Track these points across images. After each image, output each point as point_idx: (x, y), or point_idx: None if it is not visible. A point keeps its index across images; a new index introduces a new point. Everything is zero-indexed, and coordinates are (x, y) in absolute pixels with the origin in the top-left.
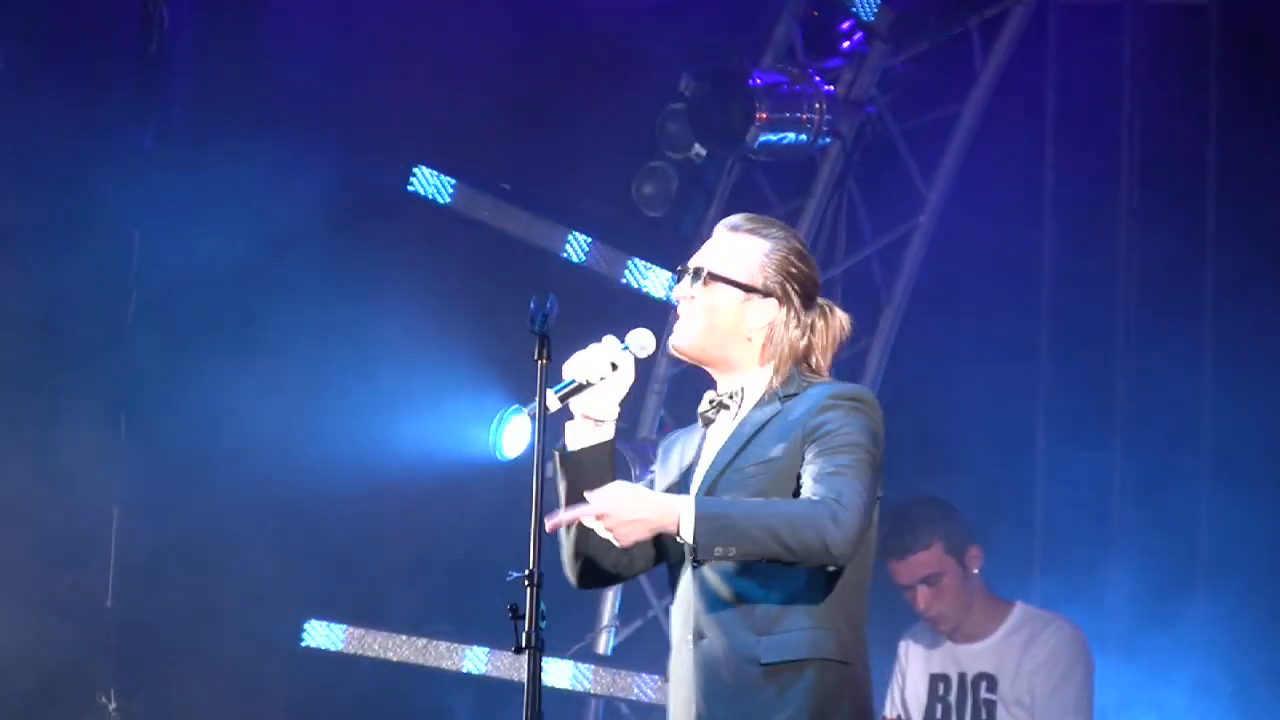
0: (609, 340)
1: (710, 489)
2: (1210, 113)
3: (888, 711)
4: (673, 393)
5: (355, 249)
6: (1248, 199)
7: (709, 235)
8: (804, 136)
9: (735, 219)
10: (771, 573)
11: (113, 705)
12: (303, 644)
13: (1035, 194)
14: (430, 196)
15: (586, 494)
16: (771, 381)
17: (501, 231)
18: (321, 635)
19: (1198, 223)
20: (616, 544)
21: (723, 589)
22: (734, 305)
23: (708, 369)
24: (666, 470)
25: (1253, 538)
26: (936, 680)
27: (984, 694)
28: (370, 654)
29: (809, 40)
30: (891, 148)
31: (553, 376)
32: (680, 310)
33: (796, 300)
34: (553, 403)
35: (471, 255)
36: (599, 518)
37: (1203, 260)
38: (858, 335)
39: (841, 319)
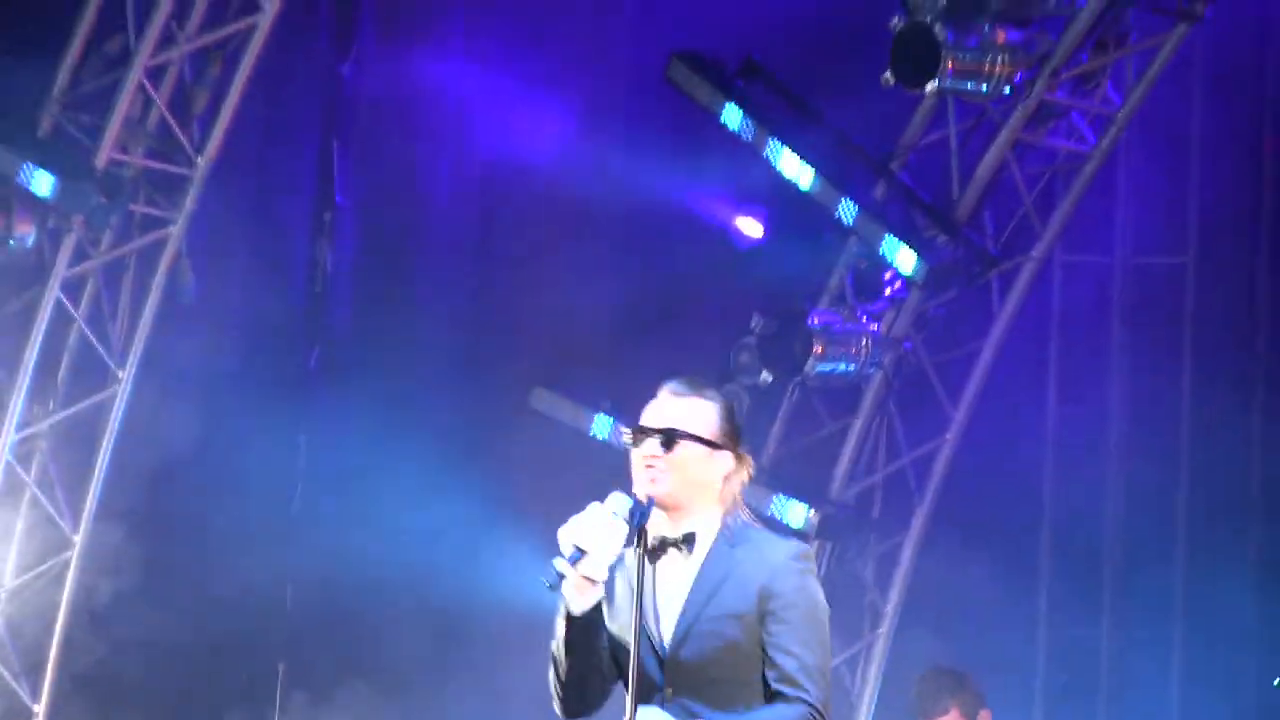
0: (598, 507)
1: (684, 636)
2: (1185, 353)
3: None
4: None
5: (480, 454)
6: (1219, 428)
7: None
8: (853, 367)
9: (679, 384)
10: (735, 703)
11: None
12: None
13: (1040, 419)
14: (546, 411)
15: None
16: (718, 526)
17: (605, 441)
18: None
19: (1173, 454)
20: None
21: (692, 714)
22: (703, 460)
23: (667, 511)
24: (612, 600)
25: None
26: None
27: None
28: None
29: (858, 286)
30: (924, 377)
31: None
32: (649, 466)
33: (736, 448)
34: (567, 571)
35: (579, 461)
36: None
37: (1176, 489)
38: (894, 531)
39: (750, 464)
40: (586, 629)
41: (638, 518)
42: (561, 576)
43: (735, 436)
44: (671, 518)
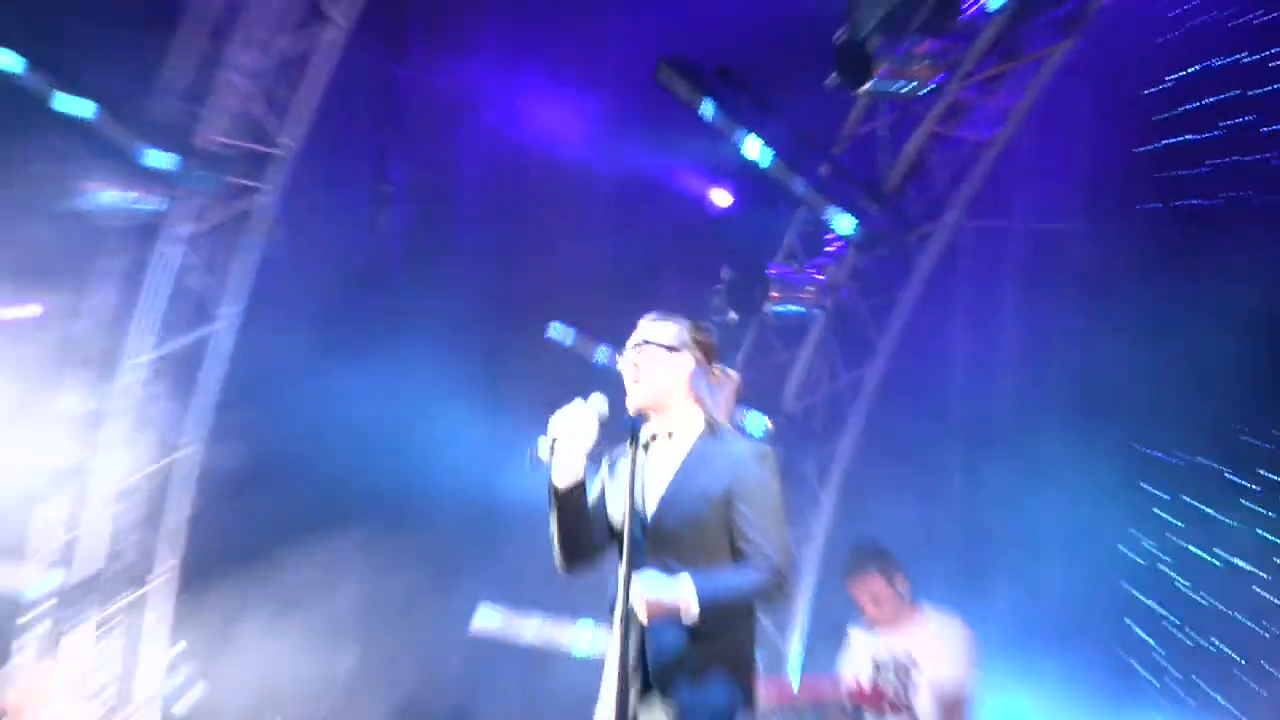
0: (579, 403)
1: (665, 510)
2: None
3: (845, 676)
4: None
5: (505, 372)
6: (1081, 346)
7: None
8: (801, 309)
9: (651, 314)
10: (704, 565)
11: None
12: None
13: (949, 348)
14: (560, 341)
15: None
16: (696, 425)
17: (605, 365)
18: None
19: (1049, 369)
20: (644, 621)
21: (671, 571)
22: (664, 361)
23: (651, 412)
24: (616, 481)
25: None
26: (879, 662)
27: (908, 668)
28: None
29: (806, 245)
30: (858, 316)
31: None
32: (627, 376)
33: (703, 356)
34: (545, 454)
35: (583, 379)
36: (646, 608)
37: (1057, 393)
38: (832, 435)
39: (735, 378)
40: (568, 500)
41: (631, 428)
42: (538, 458)
43: (701, 346)
44: (659, 418)
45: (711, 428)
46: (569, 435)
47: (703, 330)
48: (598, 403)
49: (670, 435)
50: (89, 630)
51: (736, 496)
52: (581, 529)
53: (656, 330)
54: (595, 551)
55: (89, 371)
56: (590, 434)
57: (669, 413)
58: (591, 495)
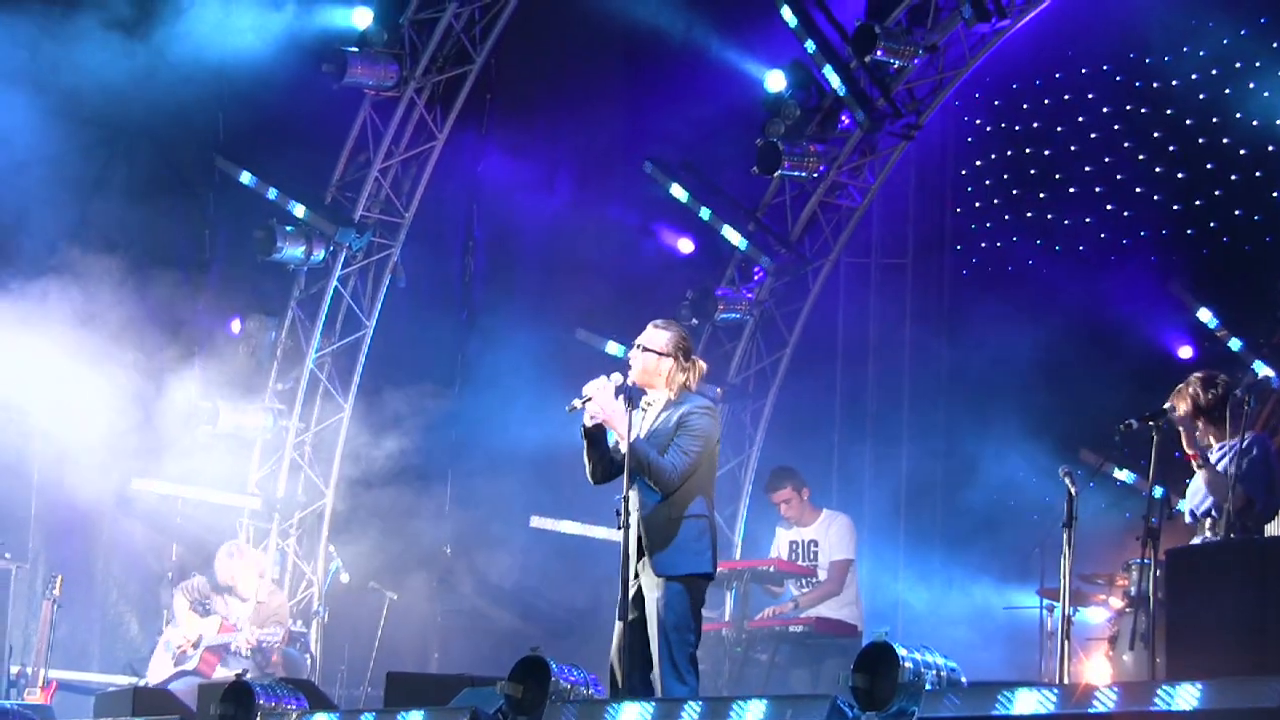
0: (604, 378)
1: (647, 436)
2: (906, 301)
3: (772, 554)
4: None
5: (547, 362)
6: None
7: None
8: (738, 315)
9: (656, 321)
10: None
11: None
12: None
13: (832, 346)
14: (584, 342)
15: (601, 450)
16: (667, 396)
17: (616, 356)
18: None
19: (900, 350)
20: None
21: (650, 490)
22: (651, 360)
23: (642, 385)
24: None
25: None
26: (793, 544)
27: (811, 548)
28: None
29: (741, 274)
30: (774, 321)
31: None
32: (631, 362)
33: (681, 358)
34: (577, 405)
35: (600, 367)
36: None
37: (900, 373)
38: (760, 397)
39: (701, 366)
40: (594, 436)
41: (627, 393)
42: (572, 409)
43: (679, 351)
44: (650, 390)
45: (676, 398)
46: (593, 396)
47: (685, 339)
48: (616, 378)
49: (650, 404)
50: (274, 533)
51: (680, 428)
52: (604, 456)
53: (652, 337)
54: (614, 472)
55: (285, 362)
56: (608, 398)
57: (653, 388)
58: (613, 439)
